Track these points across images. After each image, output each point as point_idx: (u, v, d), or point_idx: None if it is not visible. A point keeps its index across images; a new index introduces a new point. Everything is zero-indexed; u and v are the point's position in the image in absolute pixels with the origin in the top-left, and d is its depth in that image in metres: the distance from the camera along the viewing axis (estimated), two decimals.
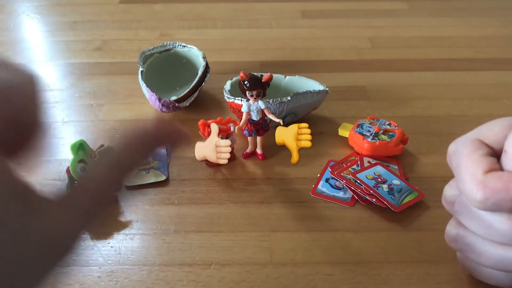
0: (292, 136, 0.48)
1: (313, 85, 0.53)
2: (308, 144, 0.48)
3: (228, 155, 0.45)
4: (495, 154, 0.28)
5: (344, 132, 0.49)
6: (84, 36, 0.76)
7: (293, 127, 0.48)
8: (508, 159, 0.27)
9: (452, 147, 0.30)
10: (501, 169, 0.27)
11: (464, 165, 0.27)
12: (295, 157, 0.48)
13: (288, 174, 0.46)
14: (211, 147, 0.45)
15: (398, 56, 0.69)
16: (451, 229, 0.31)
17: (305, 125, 0.49)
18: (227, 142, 0.45)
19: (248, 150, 0.48)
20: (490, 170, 0.26)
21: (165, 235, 0.40)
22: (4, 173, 0.17)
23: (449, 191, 0.31)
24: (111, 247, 0.39)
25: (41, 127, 0.21)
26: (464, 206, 0.29)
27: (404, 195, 0.42)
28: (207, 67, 0.57)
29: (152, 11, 0.86)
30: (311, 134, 0.48)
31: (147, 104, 0.56)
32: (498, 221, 0.27)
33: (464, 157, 0.28)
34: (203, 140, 0.48)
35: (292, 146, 0.48)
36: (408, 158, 0.48)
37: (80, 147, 0.44)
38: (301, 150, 0.49)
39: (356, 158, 0.47)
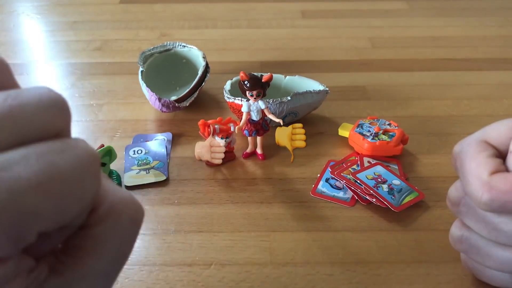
0: (286, 137, 0.48)
1: (313, 85, 0.53)
2: (302, 144, 0.48)
3: (222, 155, 0.45)
4: (501, 155, 0.28)
5: (344, 132, 0.49)
6: (84, 36, 0.76)
7: (288, 128, 0.48)
8: None
9: (457, 149, 0.29)
10: (506, 170, 0.27)
11: (469, 166, 0.27)
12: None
13: (288, 174, 0.46)
14: (206, 147, 0.45)
15: (398, 56, 0.69)
16: (455, 230, 0.31)
17: (299, 125, 0.49)
18: (221, 142, 0.45)
19: (248, 150, 0.48)
20: (495, 172, 0.26)
21: (165, 235, 0.40)
22: None
23: (453, 192, 0.30)
24: None
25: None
26: (469, 208, 0.29)
27: (404, 195, 0.42)
28: (207, 67, 0.57)
29: (152, 11, 0.86)
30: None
31: (147, 104, 0.56)
32: (503, 222, 0.27)
33: (469, 158, 0.27)
34: (203, 140, 0.48)
35: (287, 146, 0.48)
36: (408, 158, 0.48)
37: (107, 153, 0.44)
38: (301, 150, 0.49)
39: (356, 158, 0.47)
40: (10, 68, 0.18)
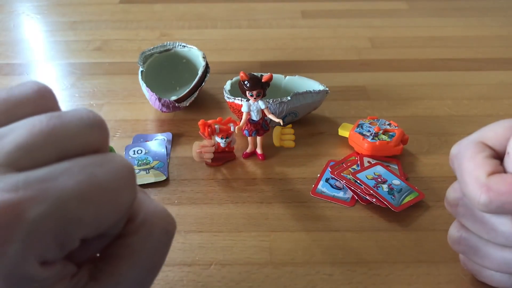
0: (275, 137, 0.48)
1: (313, 85, 0.53)
2: (291, 144, 0.49)
3: (211, 155, 0.45)
4: (498, 156, 0.28)
5: (344, 132, 0.49)
6: (84, 36, 0.76)
7: (277, 128, 0.49)
8: (511, 161, 0.27)
9: (454, 150, 0.29)
10: (504, 171, 0.27)
11: (467, 167, 0.27)
12: None
13: (288, 174, 0.46)
14: (195, 147, 0.46)
15: (398, 56, 0.69)
16: (454, 231, 0.31)
17: (288, 125, 0.49)
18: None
19: (248, 150, 0.48)
20: (493, 173, 0.26)
21: None
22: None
23: (451, 193, 0.30)
24: None
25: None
26: (467, 209, 0.29)
27: (404, 195, 0.42)
28: (207, 67, 0.57)
29: (152, 11, 0.86)
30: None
31: (147, 104, 0.56)
32: (501, 223, 0.27)
33: (466, 159, 0.27)
34: (202, 140, 0.48)
35: (283, 146, 0.49)
36: (408, 158, 0.48)
37: None
38: (301, 150, 0.49)
39: (356, 158, 0.47)
40: (55, 95, 0.21)
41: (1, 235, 0.16)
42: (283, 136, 0.49)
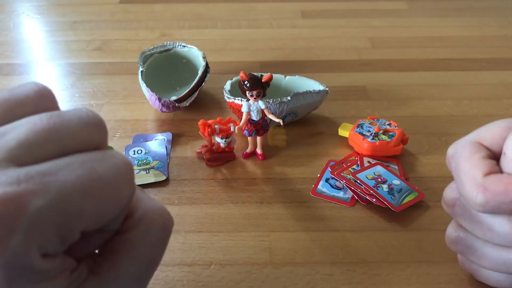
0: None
1: (313, 85, 0.53)
2: (283, 144, 0.49)
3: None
4: (494, 156, 0.28)
5: (344, 132, 0.49)
6: (84, 36, 0.76)
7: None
8: (507, 162, 0.27)
9: (451, 150, 0.30)
10: (500, 171, 0.27)
11: (464, 168, 0.27)
12: None
13: (288, 174, 0.46)
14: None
15: (398, 56, 0.69)
16: (451, 231, 0.31)
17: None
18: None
19: (248, 150, 0.48)
20: (489, 173, 0.26)
21: None
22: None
23: (449, 193, 0.30)
24: None
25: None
26: (464, 209, 0.29)
27: (404, 195, 0.42)
28: (207, 67, 0.57)
29: (152, 11, 0.86)
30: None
31: (147, 104, 0.56)
32: (498, 223, 0.27)
33: (463, 160, 0.28)
34: (203, 140, 0.48)
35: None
36: (408, 158, 0.48)
37: None
38: (301, 150, 0.49)
39: (356, 158, 0.47)
40: (54, 95, 0.21)
41: (3, 227, 0.16)
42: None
